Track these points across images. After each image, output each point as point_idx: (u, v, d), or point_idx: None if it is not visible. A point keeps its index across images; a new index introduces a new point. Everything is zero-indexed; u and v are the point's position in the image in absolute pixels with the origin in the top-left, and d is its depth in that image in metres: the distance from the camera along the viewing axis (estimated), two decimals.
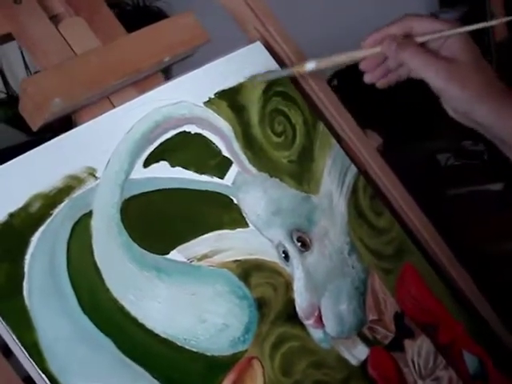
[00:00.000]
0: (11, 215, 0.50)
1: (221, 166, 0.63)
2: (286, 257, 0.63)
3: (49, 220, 0.52)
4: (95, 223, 0.54)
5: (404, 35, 0.64)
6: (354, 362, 0.64)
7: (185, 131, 0.62)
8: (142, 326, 0.53)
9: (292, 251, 0.64)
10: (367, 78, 0.68)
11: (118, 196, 0.56)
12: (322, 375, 0.61)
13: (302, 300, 0.63)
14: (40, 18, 0.61)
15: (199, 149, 0.62)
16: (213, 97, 0.65)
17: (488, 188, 1.49)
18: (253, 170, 0.65)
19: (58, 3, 0.63)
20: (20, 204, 0.51)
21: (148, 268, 0.55)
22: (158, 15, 1.66)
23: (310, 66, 0.69)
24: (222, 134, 0.64)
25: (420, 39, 0.63)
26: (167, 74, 0.77)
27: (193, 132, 0.63)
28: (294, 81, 0.74)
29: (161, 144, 0.60)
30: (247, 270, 0.60)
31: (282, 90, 0.71)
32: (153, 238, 0.56)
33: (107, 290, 0.52)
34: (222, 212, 0.61)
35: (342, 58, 0.68)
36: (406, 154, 1.52)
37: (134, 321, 0.53)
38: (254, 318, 0.59)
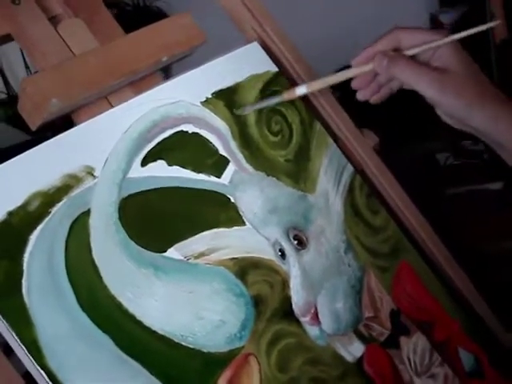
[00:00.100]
0: (10, 214, 0.51)
1: (218, 164, 0.64)
2: (283, 255, 0.64)
3: (47, 218, 0.52)
4: (93, 222, 0.54)
5: (393, 50, 0.64)
6: (349, 358, 0.65)
7: (182, 130, 0.63)
8: (139, 323, 0.53)
9: (288, 249, 0.65)
10: (360, 96, 0.69)
11: (115, 195, 0.56)
12: (318, 372, 0.62)
13: (298, 297, 0.63)
14: (39, 18, 0.61)
15: (196, 148, 0.63)
16: (210, 96, 0.66)
17: (487, 187, 1.50)
18: (249, 168, 0.66)
19: (57, 4, 0.63)
20: (19, 202, 0.51)
21: (145, 266, 0.55)
22: (158, 15, 1.66)
23: (301, 90, 0.69)
24: (218, 133, 0.65)
25: (409, 52, 0.63)
26: (167, 73, 0.78)
27: (190, 131, 0.63)
28: (291, 81, 0.74)
29: (158, 143, 0.61)
30: (244, 268, 0.61)
31: (278, 90, 0.71)
32: (150, 236, 0.57)
33: (105, 287, 0.53)
34: (218, 210, 0.62)
35: (334, 79, 0.67)
36: (404, 154, 1.52)
37: (132, 318, 0.53)
38: (250, 315, 0.59)
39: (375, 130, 0.80)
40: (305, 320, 0.63)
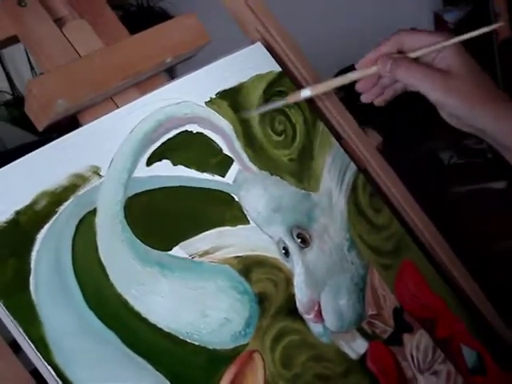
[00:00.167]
0: (18, 213, 0.52)
1: (222, 164, 0.64)
2: (287, 253, 0.65)
3: (54, 217, 0.53)
4: (99, 220, 0.55)
5: (397, 52, 0.65)
6: (353, 355, 0.65)
7: (187, 130, 0.63)
8: (145, 321, 0.54)
9: (292, 247, 0.65)
10: (364, 98, 0.70)
11: (121, 194, 0.57)
12: (322, 368, 0.63)
13: (302, 295, 0.64)
14: (45, 20, 0.62)
15: (201, 148, 0.64)
16: (214, 97, 0.67)
17: (491, 186, 1.50)
18: (253, 168, 0.66)
19: (63, 6, 0.64)
20: (26, 202, 0.52)
21: (151, 264, 0.56)
22: (162, 16, 1.67)
23: (306, 93, 0.70)
24: (223, 133, 0.66)
25: (413, 54, 0.64)
26: (171, 73, 0.79)
27: (194, 131, 0.64)
28: (294, 81, 0.75)
29: (163, 143, 0.61)
30: (248, 266, 0.61)
31: (282, 90, 0.72)
32: (156, 234, 0.57)
33: (111, 285, 0.54)
34: (223, 209, 0.62)
35: (338, 82, 0.68)
36: (408, 153, 1.53)
37: (138, 315, 0.54)
38: (254, 313, 0.60)
39: (378, 129, 0.81)
40: (308, 317, 0.64)
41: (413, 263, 0.74)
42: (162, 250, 0.57)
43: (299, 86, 0.74)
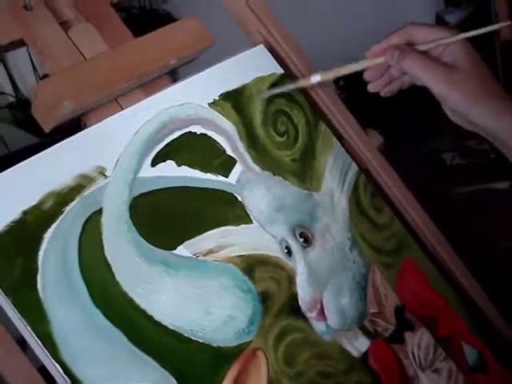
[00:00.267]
0: (25, 213, 0.52)
1: (225, 165, 0.65)
2: (289, 252, 0.65)
3: (61, 217, 0.54)
4: (105, 220, 0.56)
5: (406, 44, 0.66)
6: (355, 353, 0.66)
7: (190, 132, 0.64)
8: (150, 318, 0.55)
9: (295, 247, 0.66)
10: (371, 88, 0.70)
11: (126, 194, 0.58)
12: (324, 366, 0.63)
13: (304, 294, 0.65)
14: (50, 24, 0.63)
15: (204, 148, 0.65)
16: (217, 98, 0.67)
17: (493, 187, 1.50)
18: (256, 168, 0.67)
19: (68, 10, 0.65)
20: (33, 202, 0.53)
21: (156, 263, 0.57)
22: (166, 18, 1.68)
23: (316, 78, 0.71)
24: (226, 134, 0.67)
25: (421, 47, 0.65)
26: (173, 76, 0.79)
27: (198, 132, 0.65)
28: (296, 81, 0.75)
29: (167, 144, 0.62)
30: (251, 265, 0.62)
31: (284, 92, 0.73)
32: (160, 234, 0.58)
33: (117, 284, 0.54)
34: (226, 209, 0.63)
35: (347, 69, 0.69)
36: (409, 154, 1.53)
37: (143, 313, 0.55)
38: (258, 311, 0.61)
39: (380, 130, 0.81)
40: (311, 315, 0.64)
41: (414, 262, 0.75)
42: (167, 249, 0.58)
43: (302, 88, 0.75)
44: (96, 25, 0.65)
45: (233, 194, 0.64)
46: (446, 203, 1.42)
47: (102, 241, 0.55)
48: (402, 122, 1.57)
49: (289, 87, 0.72)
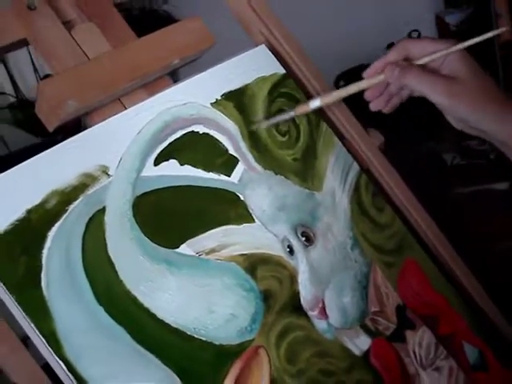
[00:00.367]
0: (29, 211, 0.53)
1: (227, 164, 0.65)
2: (291, 251, 0.66)
3: (64, 216, 0.54)
4: (108, 219, 0.56)
5: (403, 60, 0.67)
6: (356, 352, 0.66)
7: (193, 131, 0.65)
8: (153, 316, 0.55)
9: (297, 246, 0.66)
10: (373, 106, 0.71)
11: (130, 193, 0.58)
12: (326, 364, 0.64)
13: (306, 292, 0.65)
14: (54, 23, 0.63)
15: (207, 148, 0.65)
16: (220, 98, 0.68)
17: (494, 187, 1.50)
18: (258, 168, 0.68)
19: (71, 9, 0.65)
20: (37, 201, 0.53)
21: (159, 261, 0.57)
22: (166, 19, 1.68)
23: (315, 104, 0.71)
24: (228, 133, 0.67)
25: (419, 62, 0.66)
26: (174, 76, 0.80)
27: (201, 132, 0.65)
28: (298, 82, 0.76)
29: (170, 143, 0.62)
30: (253, 264, 0.62)
31: (286, 91, 0.73)
32: (163, 232, 0.58)
33: (121, 282, 0.55)
34: (228, 208, 0.64)
35: (346, 91, 0.69)
36: (410, 153, 1.53)
37: (147, 311, 0.55)
38: (260, 309, 0.61)
39: (381, 129, 0.82)
40: (313, 314, 0.65)
41: (415, 262, 0.75)
42: (170, 248, 0.58)
43: (303, 88, 0.75)
44: (99, 24, 0.65)
45: (235, 193, 0.65)
46: (446, 203, 1.42)
47: (105, 239, 0.55)
48: (402, 122, 1.57)
49: (286, 116, 0.71)
